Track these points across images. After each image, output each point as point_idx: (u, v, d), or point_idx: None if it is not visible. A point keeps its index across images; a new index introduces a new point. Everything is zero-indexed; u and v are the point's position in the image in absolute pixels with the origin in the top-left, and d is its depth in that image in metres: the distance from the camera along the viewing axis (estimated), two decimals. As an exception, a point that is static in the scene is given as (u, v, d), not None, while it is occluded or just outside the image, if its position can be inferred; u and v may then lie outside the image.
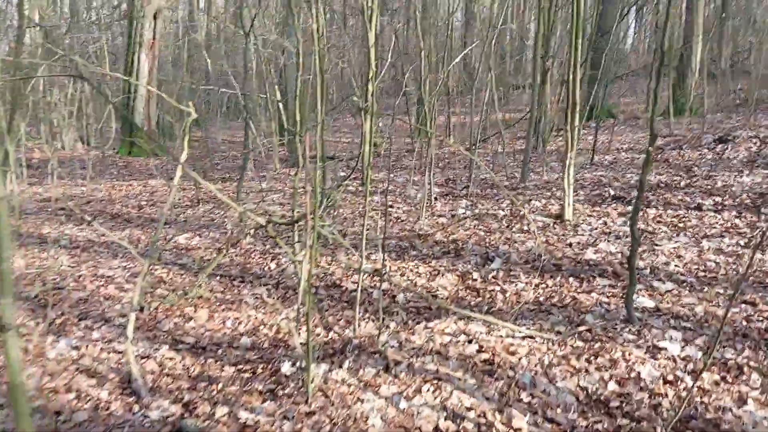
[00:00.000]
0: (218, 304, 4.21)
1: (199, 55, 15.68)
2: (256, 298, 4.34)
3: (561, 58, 11.43)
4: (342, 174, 8.01)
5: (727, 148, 8.00)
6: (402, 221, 5.96)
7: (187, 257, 5.32)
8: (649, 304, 3.73)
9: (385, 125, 12.26)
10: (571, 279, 4.26)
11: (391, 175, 8.51)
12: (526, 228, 5.44)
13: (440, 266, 4.69)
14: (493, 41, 7.53)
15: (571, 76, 5.36)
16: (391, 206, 6.52)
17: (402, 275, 4.59)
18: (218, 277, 4.73)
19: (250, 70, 10.12)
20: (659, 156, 8.46)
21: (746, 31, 20.07)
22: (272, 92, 15.92)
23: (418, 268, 4.71)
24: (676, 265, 4.39)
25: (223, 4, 22.86)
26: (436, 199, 6.66)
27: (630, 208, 5.85)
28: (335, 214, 6.16)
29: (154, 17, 12.07)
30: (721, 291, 3.89)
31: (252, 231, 5.56)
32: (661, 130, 11.69)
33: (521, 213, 5.81)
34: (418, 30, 6.67)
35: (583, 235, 5.24)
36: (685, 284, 4.04)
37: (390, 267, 4.74)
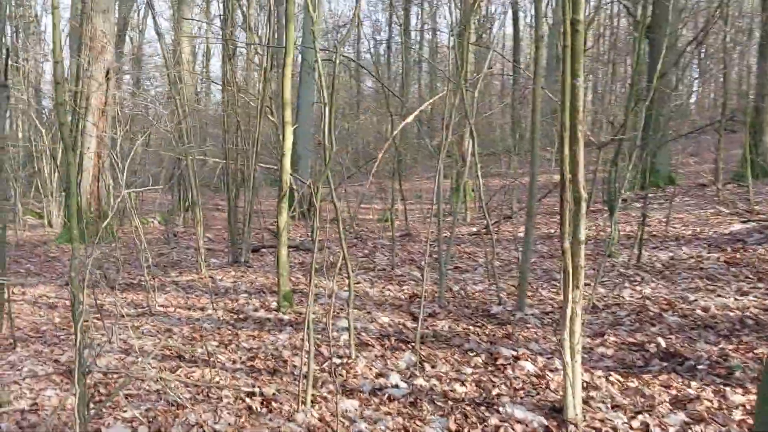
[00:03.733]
0: None
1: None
2: None
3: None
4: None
5: None
6: (275, 410, 3.39)
7: None
8: None
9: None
10: None
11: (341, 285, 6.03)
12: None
13: None
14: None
15: (567, 149, 2.84)
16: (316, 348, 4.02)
17: None
18: None
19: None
20: (739, 255, 5.72)
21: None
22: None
23: None
24: None
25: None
26: (363, 348, 4.09)
27: (696, 384, 3.19)
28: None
29: (106, 78, 10.13)
30: None
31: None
32: (734, 203, 8.90)
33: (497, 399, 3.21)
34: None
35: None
36: None
37: None
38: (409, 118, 4.32)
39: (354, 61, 21.01)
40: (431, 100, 4.70)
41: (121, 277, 7.08)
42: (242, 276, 6.62)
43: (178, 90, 8.51)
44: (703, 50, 22.97)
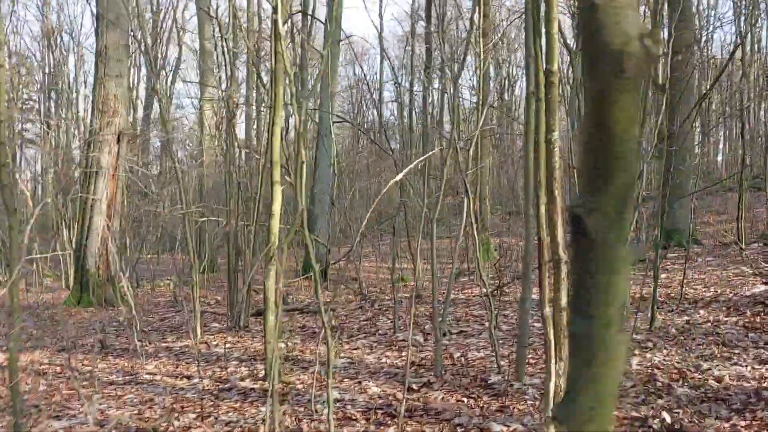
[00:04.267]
0: None
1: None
2: None
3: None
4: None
5: None
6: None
7: None
8: None
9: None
10: None
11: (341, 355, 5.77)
12: None
13: None
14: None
15: (543, 208, 2.64)
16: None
17: None
18: None
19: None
20: (759, 319, 5.37)
21: None
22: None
23: None
24: None
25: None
26: (347, 422, 3.82)
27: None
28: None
29: (117, 140, 10.23)
30: None
31: None
32: (757, 263, 8.51)
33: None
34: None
35: None
36: None
37: None
38: (398, 176, 4.17)
39: (352, 123, 21.15)
40: (420, 159, 4.55)
41: (118, 343, 6.92)
42: (238, 342, 6.40)
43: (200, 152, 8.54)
44: (727, 108, 22.79)
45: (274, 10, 4.69)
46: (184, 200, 8.01)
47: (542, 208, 2.64)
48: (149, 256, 16.30)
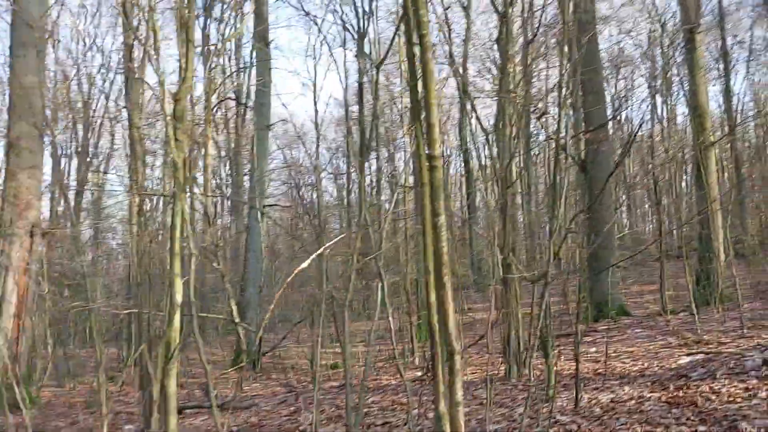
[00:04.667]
0: None
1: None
2: None
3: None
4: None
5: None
6: None
7: None
8: None
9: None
10: None
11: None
12: None
13: None
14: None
15: (434, 295, 2.50)
16: None
17: None
18: None
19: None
20: (681, 393, 5.31)
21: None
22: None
23: None
24: None
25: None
26: None
27: None
28: None
29: (30, 235, 9.76)
30: None
31: None
32: (683, 334, 8.60)
33: None
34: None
35: None
36: None
37: None
38: (305, 263, 4.03)
39: (282, 206, 21.12)
40: (331, 243, 4.42)
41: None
42: (146, 449, 5.95)
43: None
44: (645, 181, 23.68)
45: (173, 95, 4.59)
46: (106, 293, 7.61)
47: (432, 296, 2.50)
48: (83, 351, 15.42)
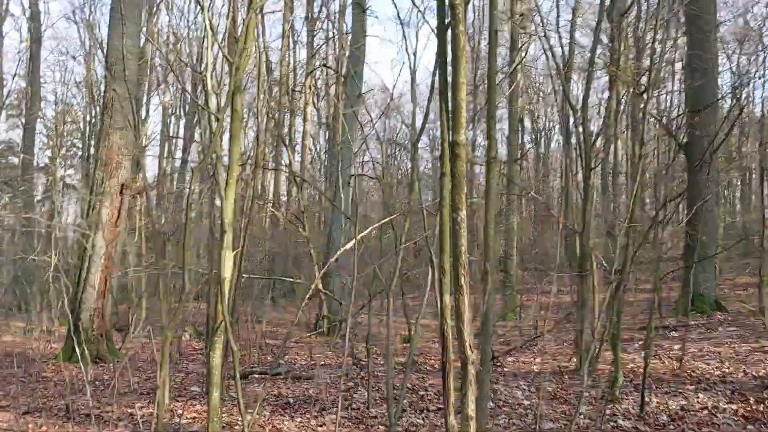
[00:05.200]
0: None
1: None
2: None
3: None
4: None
5: None
6: None
7: None
8: None
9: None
10: None
11: None
12: None
13: None
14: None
15: (448, 298, 2.27)
16: None
17: None
18: None
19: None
20: (762, 408, 4.82)
21: None
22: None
23: None
24: None
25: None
26: None
27: None
28: None
29: (120, 192, 10.17)
30: None
31: None
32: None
33: None
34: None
35: None
36: None
37: None
38: (351, 242, 3.87)
39: (370, 177, 21.03)
40: (379, 223, 4.24)
41: (85, 408, 6.62)
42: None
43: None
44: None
45: (230, 64, 4.52)
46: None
47: (446, 298, 2.28)
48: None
